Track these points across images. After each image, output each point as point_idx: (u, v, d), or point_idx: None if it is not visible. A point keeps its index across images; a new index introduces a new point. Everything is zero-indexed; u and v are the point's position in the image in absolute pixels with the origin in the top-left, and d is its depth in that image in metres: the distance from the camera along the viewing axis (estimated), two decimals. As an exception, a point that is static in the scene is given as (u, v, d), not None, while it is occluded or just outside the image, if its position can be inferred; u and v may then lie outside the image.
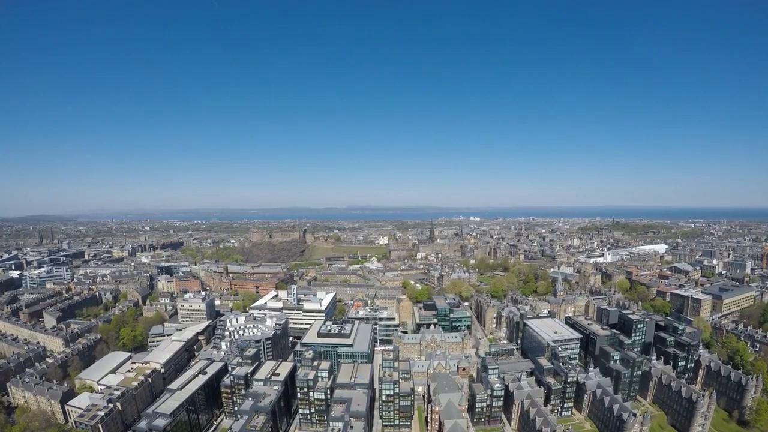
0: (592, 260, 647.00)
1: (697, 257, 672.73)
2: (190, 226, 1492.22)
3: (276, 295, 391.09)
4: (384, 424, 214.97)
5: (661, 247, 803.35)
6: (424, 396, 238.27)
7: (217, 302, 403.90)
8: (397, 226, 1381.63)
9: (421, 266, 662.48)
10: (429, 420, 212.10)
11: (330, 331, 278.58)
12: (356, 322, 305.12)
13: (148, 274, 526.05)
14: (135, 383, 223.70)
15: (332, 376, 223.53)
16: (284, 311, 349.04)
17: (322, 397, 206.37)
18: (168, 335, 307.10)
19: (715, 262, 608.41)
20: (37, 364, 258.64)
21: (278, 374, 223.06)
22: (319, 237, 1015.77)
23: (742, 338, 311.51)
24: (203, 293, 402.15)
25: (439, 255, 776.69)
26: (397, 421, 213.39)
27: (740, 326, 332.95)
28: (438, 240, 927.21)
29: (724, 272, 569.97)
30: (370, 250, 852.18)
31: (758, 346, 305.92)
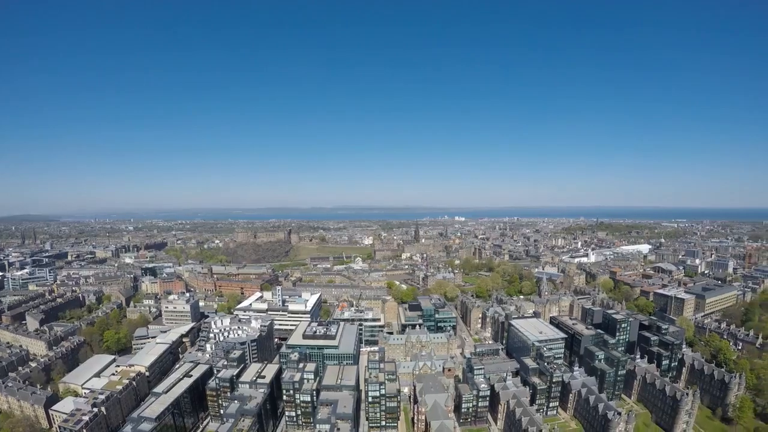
0: (577, 260, 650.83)
1: (680, 257, 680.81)
2: (175, 226, 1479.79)
3: (261, 297, 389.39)
4: (370, 425, 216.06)
5: (644, 247, 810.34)
6: (410, 397, 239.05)
7: (201, 304, 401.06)
8: (382, 226, 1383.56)
9: (406, 266, 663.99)
10: (415, 421, 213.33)
11: (315, 332, 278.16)
12: (341, 323, 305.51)
13: (131, 276, 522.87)
14: (119, 387, 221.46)
15: (318, 378, 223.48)
16: (269, 313, 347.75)
17: (308, 399, 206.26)
18: (152, 338, 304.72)
19: (698, 261, 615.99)
20: (20, 368, 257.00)
21: (264, 376, 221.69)
22: (304, 237, 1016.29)
23: (725, 337, 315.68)
24: (187, 295, 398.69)
25: (424, 255, 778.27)
26: (383, 423, 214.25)
27: (723, 325, 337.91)
28: (423, 240, 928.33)
29: (707, 272, 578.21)
30: (355, 251, 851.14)
31: (741, 344, 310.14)
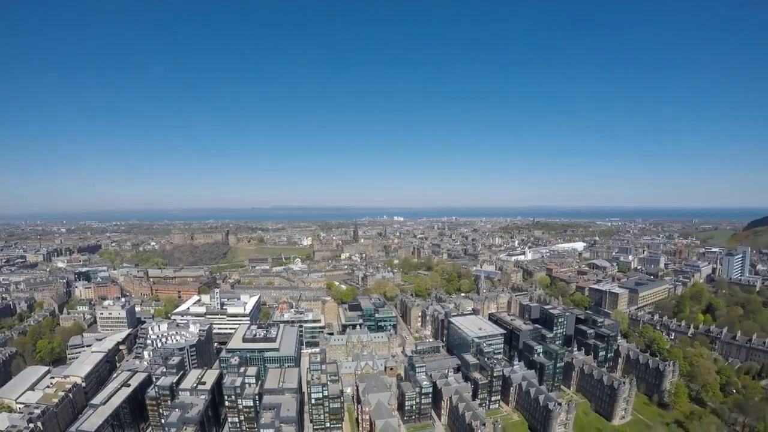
0: (514, 258, 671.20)
1: (613, 254, 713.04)
2: (109, 228, 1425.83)
3: (199, 300, 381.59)
4: (315, 427, 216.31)
5: (579, 245, 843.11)
6: (353, 397, 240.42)
7: (138, 309, 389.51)
8: (321, 226, 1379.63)
9: (346, 267, 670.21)
10: (360, 421, 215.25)
11: (255, 335, 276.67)
12: (281, 325, 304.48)
13: (64, 281, 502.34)
14: (55, 400, 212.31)
15: (260, 382, 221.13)
16: (208, 316, 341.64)
17: (251, 404, 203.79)
18: (88, 346, 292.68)
19: (630, 258, 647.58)
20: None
21: (204, 383, 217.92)
22: (242, 238, 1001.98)
23: (658, 328, 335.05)
24: (123, 300, 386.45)
25: (364, 255, 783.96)
26: (327, 424, 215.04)
27: (656, 317, 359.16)
28: (362, 240, 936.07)
29: (639, 267, 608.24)
30: (294, 251, 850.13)
31: (673, 334, 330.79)
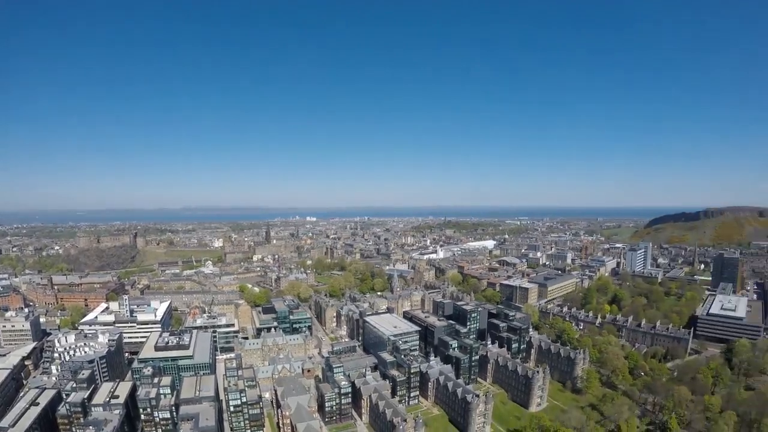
0: (426, 257, 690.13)
1: (523, 251, 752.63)
2: (9, 231, 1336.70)
3: (107, 308, 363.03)
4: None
5: (489, 243, 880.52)
6: (272, 402, 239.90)
7: (42, 320, 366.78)
8: (232, 227, 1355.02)
9: (258, 269, 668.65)
10: (281, 425, 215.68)
11: (168, 343, 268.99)
12: (194, 331, 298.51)
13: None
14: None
15: (175, 392, 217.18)
16: (117, 325, 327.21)
17: (168, 415, 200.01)
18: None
19: (539, 254, 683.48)
20: None
21: (118, 396, 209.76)
22: (151, 241, 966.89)
23: (567, 319, 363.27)
24: (26, 310, 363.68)
25: (276, 256, 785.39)
26: (248, 431, 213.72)
27: (565, 309, 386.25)
28: (275, 241, 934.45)
29: (547, 263, 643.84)
30: (205, 254, 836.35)
31: (582, 324, 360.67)
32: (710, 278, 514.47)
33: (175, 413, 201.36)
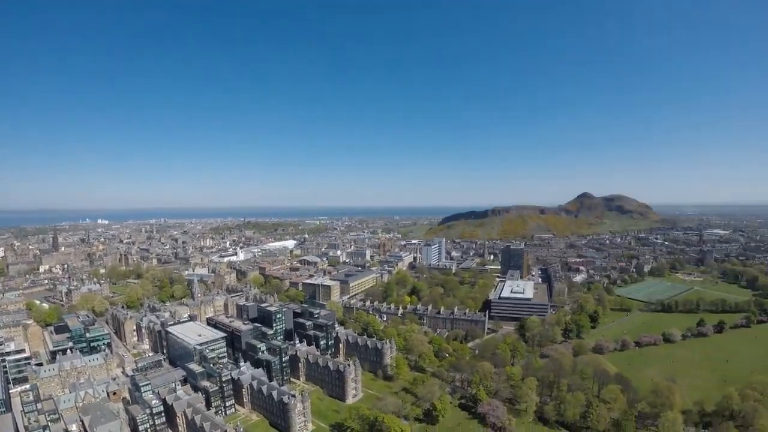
0: (226, 259, 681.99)
1: (323, 249, 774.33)
2: None
3: None
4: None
5: (290, 243, 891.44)
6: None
7: None
8: (15, 233, 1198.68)
9: (46, 281, 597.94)
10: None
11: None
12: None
13: None
14: None
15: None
16: None
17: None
18: None
19: (339, 252, 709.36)
20: None
21: None
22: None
23: (371, 312, 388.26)
24: None
25: (66, 266, 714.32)
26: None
27: (368, 303, 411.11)
28: (63, 248, 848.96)
29: (348, 261, 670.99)
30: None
31: (385, 316, 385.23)
32: (500, 267, 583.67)
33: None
